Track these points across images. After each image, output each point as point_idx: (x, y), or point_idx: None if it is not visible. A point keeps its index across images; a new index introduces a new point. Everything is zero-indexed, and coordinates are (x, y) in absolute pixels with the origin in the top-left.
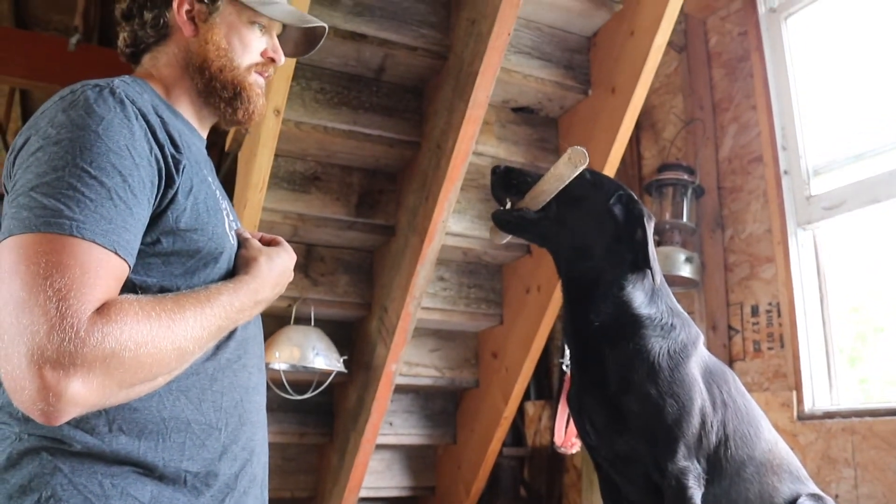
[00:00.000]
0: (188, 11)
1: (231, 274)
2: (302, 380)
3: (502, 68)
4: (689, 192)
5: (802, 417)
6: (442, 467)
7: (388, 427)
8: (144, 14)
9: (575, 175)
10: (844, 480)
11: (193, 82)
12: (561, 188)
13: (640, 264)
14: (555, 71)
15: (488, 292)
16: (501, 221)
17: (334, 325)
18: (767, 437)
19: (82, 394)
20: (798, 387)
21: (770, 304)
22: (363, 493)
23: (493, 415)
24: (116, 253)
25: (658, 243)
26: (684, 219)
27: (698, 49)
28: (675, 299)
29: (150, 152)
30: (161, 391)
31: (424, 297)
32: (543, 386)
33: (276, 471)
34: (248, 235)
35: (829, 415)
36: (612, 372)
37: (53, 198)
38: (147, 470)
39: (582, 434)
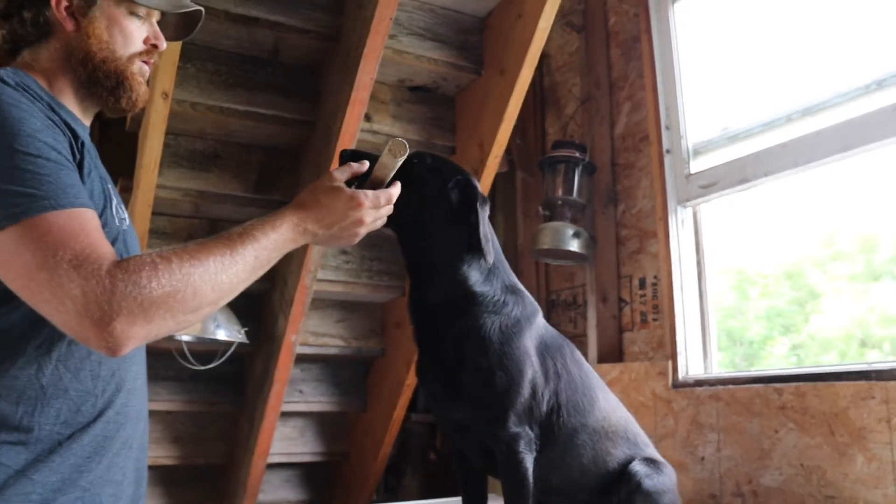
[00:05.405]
0: (67, 7)
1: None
2: (209, 350)
3: (395, 50)
4: (580, 168)
5: (677, 385)
6: (353, 434)
7: (299, 395)
8: (24, 13)
9: (399, 164)
10: (709, 444)
11: (76, 74)
12: (391, 175)
13: (475, 246)
14: (448, 52)
15: (390, 265)
16: None
17: (241, 296)
18: (603, 406)
19: (131, 329)
20: (673, 356)
21: (656, 276)
22: (279, 459)
23: (397, 383)
24: (87, 208)
25: (549, 218)
26: (574, 195)
27: (598, 29)
28: (514, 277)
29: (59, 128)
30: (40, 361)
31: (328, 270)
32: None
33: (189, 439)
34: (357, 169)
35: (699, 382)
36: (448, 347)
37: (17, 185)
38: (22, 434)
39: (429, 404)
